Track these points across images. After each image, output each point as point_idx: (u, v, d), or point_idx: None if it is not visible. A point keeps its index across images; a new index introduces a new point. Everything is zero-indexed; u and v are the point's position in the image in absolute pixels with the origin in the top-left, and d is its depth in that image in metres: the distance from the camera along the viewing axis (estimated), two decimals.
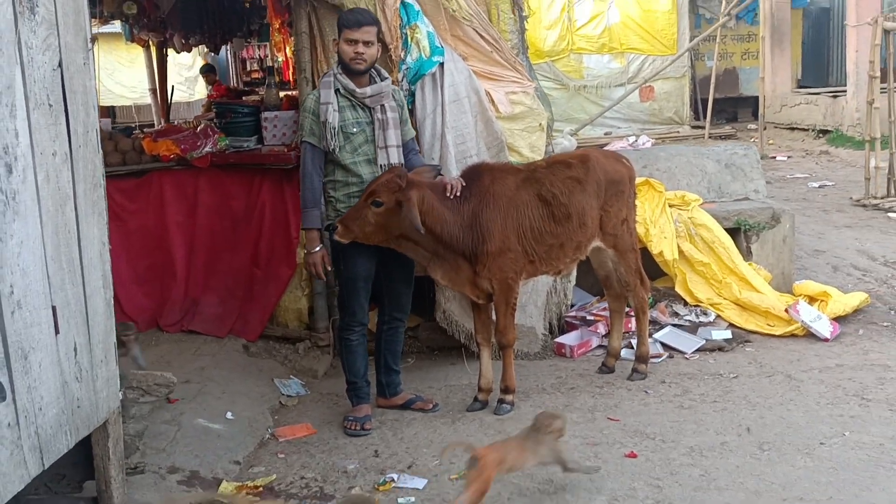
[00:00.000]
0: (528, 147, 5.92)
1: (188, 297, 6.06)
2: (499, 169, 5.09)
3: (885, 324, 6.12)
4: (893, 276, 7.13)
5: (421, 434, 4.75)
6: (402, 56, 5.58)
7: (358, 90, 4.80)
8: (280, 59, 11.81)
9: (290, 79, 10.74)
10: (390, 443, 4.68)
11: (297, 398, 5.38)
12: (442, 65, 5.53)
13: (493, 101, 5.80)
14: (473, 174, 4.96)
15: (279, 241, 5.98)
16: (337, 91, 4.78)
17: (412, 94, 5.57)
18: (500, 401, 5.01)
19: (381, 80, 4.89)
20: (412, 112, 5.50)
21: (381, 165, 4.84)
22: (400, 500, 4.01)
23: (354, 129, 4.80)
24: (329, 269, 4.87)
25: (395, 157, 4.88)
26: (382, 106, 4.87)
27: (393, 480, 4.19)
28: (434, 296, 5.76)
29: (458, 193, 4.76)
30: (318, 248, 4.83)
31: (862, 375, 5.19)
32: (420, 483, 4.16)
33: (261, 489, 4.16)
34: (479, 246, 4.82)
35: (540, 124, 5.99)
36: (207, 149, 6.03)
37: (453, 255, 4.86)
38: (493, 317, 5.08)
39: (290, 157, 5.84)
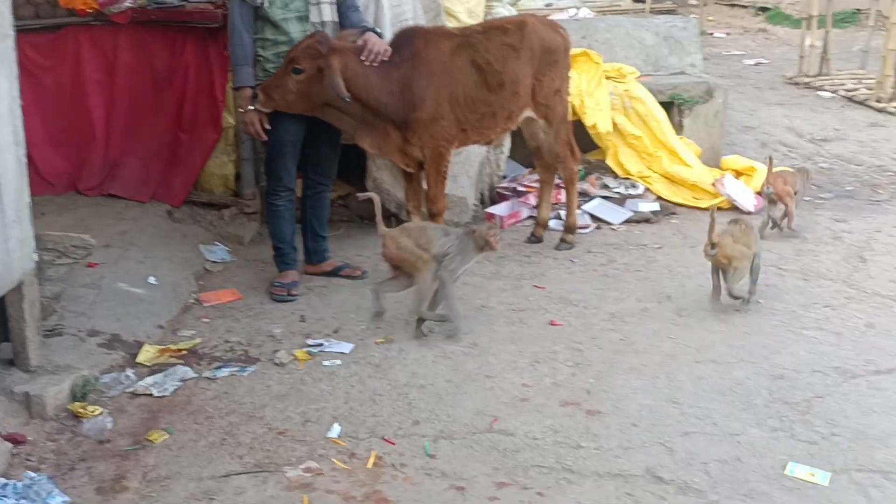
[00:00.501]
0: (466, 12, 5.78)
1: (108, 160, 5.84)
2: (433, 33, 4.94)
3: (806, 198, 6.25)
4: (818, 153, 7.27)
5: (348, 300, 4.77)
6: None
7: None
8: None
9: None
10: (317, 308, 4.69)
11: (222, 264, 5.32)
12: None
13: None
14: (405, 38, 4.81)
15: (204, 103, 5.76)
16: None
17: None
18: None
19: None
20: None
21: (313, 23, 4.66)
22: (325, 362, 4.05)
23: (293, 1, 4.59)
24: (267, 127, 4.68)
25: (329, 13, 4.70)
26: None
27: (321, 345, 4.21)
28: (365, 164, 5.68)
29: (375, 61, 4.60)
30: (252, 107, 4.65)
31: (780, 247, 5.34)
32: (346, 347, 4.20)
33: (184, 352, 4.15)
34: (411, 113, 4.72)
35: None
36: (127, 3, 5.69)
37: (382, 122, 4.76)
38: (425, 185, 5.04)
39: (216, 15, 5.55)
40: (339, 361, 4.07)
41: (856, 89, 8.92)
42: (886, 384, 3.74)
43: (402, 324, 4.43)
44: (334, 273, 5.09)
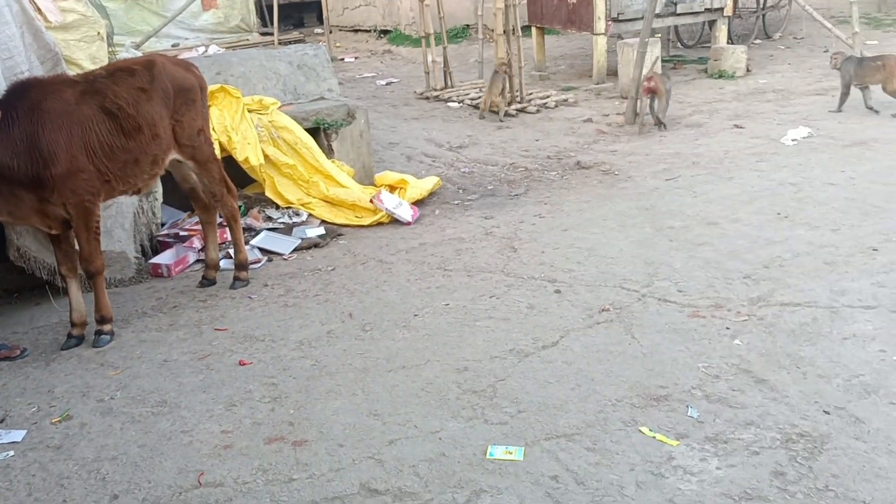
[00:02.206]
0: (88, 59, 5.46)
1: None
2: (52, 82, 4.60)
3: (456, 202, 6.74)
4: (458, 160, 7.85)
5: (11, 384, 4.31)
6: None
7: None
8: None
9: None
10: None
11: None
12: None
13: (39, 11, 5.21)
14: (21, 91, 4.43)
15: None
16: None
17: None
18: (98, 332, 4.70)
19: None
20: None
21: None
22: None
23: None
24: None
25: None
26: None
27: None
28: (3, 233, 5.16)
29: None
30: None
31: (442, 250, 5.70)
32: (18, 435, 3.80)
33: None
34: (43, 171, 4.36)
35: (98, 33, 5.54)
36: None
37: (8, 186, 4.34)
38: (76, 245, 4.70)
39: None
40: (11, 453, 3.66)
41: (479, 97, 9.75)
42: (554, 356, 4.14)
43: (79, 396, 4.10)
44: None
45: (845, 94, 8.39)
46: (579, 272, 5.12)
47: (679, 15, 10.80)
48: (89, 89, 4.56)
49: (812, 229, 5.48)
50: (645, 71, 8.89)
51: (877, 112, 8.20)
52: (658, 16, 9.97)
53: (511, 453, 3.41)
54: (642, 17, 9.59)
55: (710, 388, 3.77)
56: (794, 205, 5.95)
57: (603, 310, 4.59)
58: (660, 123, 8.39)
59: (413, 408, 3.79)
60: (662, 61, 10.14)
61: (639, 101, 8.58)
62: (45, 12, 5.23)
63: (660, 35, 10.53)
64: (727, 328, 4.28)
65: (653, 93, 8.39)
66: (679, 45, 12.67)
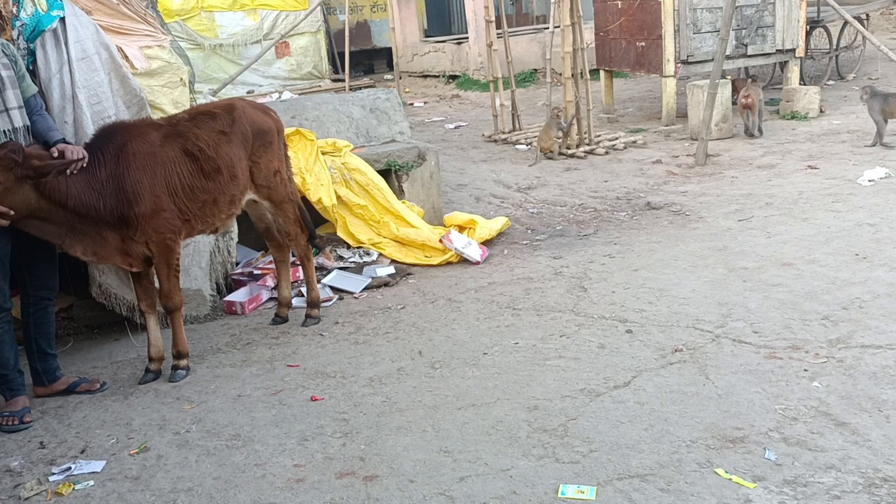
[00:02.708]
0: (171, 103, 5.66)
1: None
2: (137, 126, 4.78)
3: (525, 242, 6.75)
4: (526, 200, 7.88)
5: (91, 416, 4.43)
6: (13, 11, 5.02)
7: None
8: None
9: None
10: (57, 431, 4.31)
11: None
12: (63, 19, 5.06)
13: (126, 57, 5.44)
14: (108, 135, 4.61)
15: None
16: None
17: (32, 54, 5.05)
18: (175, 367, 4.81)
19: None
20: (34, 74, 5.00)
21: (2, 131, 4.35)
22: (78, 486, 3.73)
23: None
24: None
25: (20, 119, 4.41)
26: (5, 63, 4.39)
27: (68, 469, 3.87)
28: (86, 270, 5.35)
29: (76, 169, 4.39)
30: None
31: (511, 289, 5.70)
32: (98, 465, 3.89)
33: None
34: (128, 210, 4.52)
35: (181, 79, 5.75)
36: None
37: (94, 226, 4.51)
38: (156, 283, 4.84)
39: None
40: (92, 482, 3.76)
41: None
42: (626, 396, 4.09)
43: (156, 429, 4.19)
44: (70, 391, 4.71)
45: (879, 127, 8.67)
46: (651, 312, 5.07)
47: (750, 56, 10.72)
48: (172, 132, 4.74)
49: (892, 270, 5.33)
50: (716, 114, 8.84)
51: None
52: (728, 57, 9.92)
53: (583, 493, 3.37)
54: (712, 59, 9.56)
55: (788, 430, 3.67)
56: (872, 246, 5.81)
57: (676, 350, 4.53)
58: (759, 132, 9.51)
59: (483, 445, 3.78)
60: (733, 103, 10.07)
61: (744, 115, 9.62)
62: (131, 59, 5.45)
63: (730, 77, 10.45)
64: (805, 370, 4.18)
65: (749, 109, 9.40)
66: None
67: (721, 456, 3.53)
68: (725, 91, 9.65)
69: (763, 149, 9.09)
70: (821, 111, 10.48)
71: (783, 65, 11.16)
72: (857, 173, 7.67)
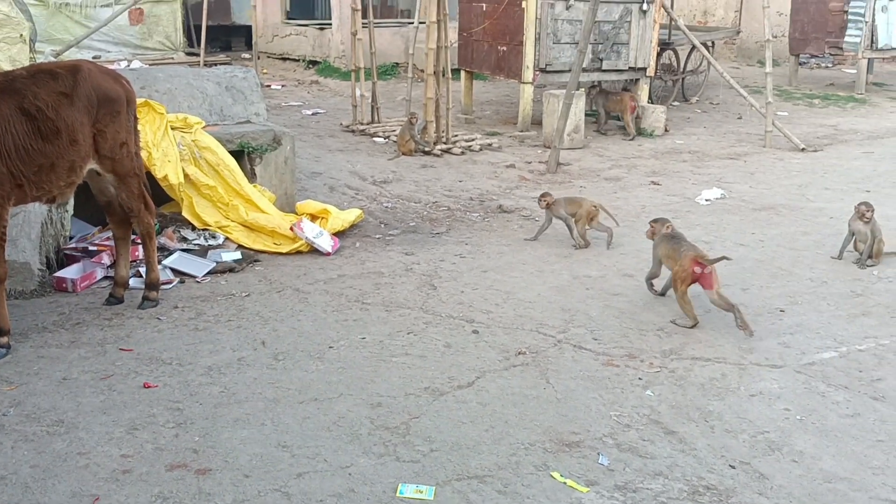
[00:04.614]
0: (7, 60, 5.30)
1: None
2: None
3: (378, 236, 6.70)
4: (381, 194, 7.83)
5: None
6: None
7: None
8: None
9: None
10: None
11: None
12: None
13: None
14: None
15: None
16: None
17: None
18: None
19: None
20: None
21: None
22: None
23: None
24: None
25: None
26: None
27: None
28: None
29: None
30: None
31: (361, 283, 5.64)
32: None
33: None
34: None
35: (21, 35, 5.40)
36: None
37: None
38: None
39: None
40: None
41: None
42: (469, 397, 4.12)
43: None
44: None
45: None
46: (497, 314, 5.14)
47: (604, 71, 11.09)
48: (8, 88, 4.40)
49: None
50: (569, 124, 9.08)
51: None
52: (584, 70, 10.21)
53: (422, 492, 3.36)
54: (569, 70, 9.82)
55: (621, 436, 3.80)
56: None
57: (519, 353, 4.60)
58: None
59: (323, 441, 3.71)
60: (585, 114, 10.39)
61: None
62: None
63: (584, 89, 10.79)
64: (640, 378, 4.34)
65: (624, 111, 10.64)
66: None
67: (557, 459, 3.61)
68: (580, 102, 9.93)
69: (611, 161, 9.42)
70: (665, 130, 10.98)
71: (634, 82, 11.61)
72: (696, 192, 8.07)
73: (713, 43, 14.10)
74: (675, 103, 13.05)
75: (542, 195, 6.71)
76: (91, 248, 5.84)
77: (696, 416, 3.99)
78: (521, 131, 10.70)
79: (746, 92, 11.11)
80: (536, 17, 10.42)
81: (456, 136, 9.96)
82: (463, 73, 11.84)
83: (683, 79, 13.42)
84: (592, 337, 4.83)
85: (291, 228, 6.27)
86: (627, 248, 6.45)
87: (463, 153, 9.48)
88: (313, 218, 6.61)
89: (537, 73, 10.61)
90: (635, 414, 4.00)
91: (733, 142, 10.60)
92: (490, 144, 9.93)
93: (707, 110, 12.82)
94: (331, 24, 15.40)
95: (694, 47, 12.36)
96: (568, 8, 10.53)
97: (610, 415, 3.98)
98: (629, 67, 11.17)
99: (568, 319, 5.08)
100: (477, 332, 4.87)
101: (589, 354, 4.61)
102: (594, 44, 10.62)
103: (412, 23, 11.75)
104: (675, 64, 13.23)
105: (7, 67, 5.24)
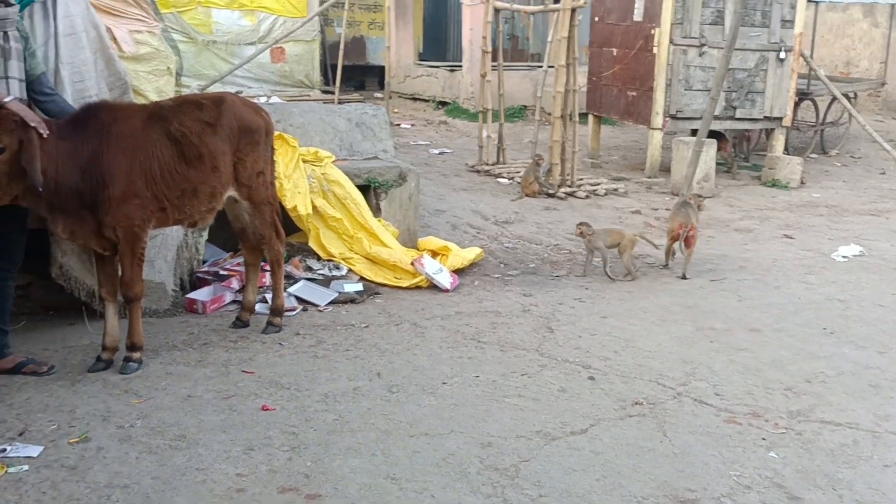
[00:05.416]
0: (155, 91, 5.59)
1: None
2: (121, 107, 4.72)
3: (497, 275, 6.70)
4: (503, 234, 7.84)
5: (35, 398, 4.29)
6: None
7: None
8: None
9: None
10: None
11: None
12: None
13: (115, 39, 5.37)
14: (91, 113, 4.53)
15: None
16: None
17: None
18: (127, 359, 4.68)
19: (7, 6, 4.32)
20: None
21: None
22: (11, 469, 3.59)
23: None
24: None
25: (17, 90, 4.35)
26: (6, 34, 4.32)
27: (3, 451, 3.73)
28: (49, 249, 5.21)
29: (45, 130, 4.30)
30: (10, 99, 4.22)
31: (477, 321, 5.63)
32: (35, 451, 3.76)
33: None
34: (101, 191, 4.43)
35: (168, 68, 5.68)
36: None
37: (75, 204, 4.42)
38: (120, 270, 4.72)
39: None
40: (26, 467, 3.62)
41: None
42: (582, 444, 4.03)
43: (99, 420, 4.06)
44: (16, 370, 4.57)
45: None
46: (615, 361, 5.03)
47: (738, 119, 10.82)
48: (157, 115, 4.66)
49: (858, 349, 5.34)
50: (699, 172, 8.89)
51: None
52: (717, 118, 9.99)
53: None
54: (700, 117, 9.63)
55: (740, 498, 3.63)
56: (840, 321, 5.82)
57: (636, 403, 4.48)
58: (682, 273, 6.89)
59: (432, 477, 3.69)
60: (716, 163, 10.14)
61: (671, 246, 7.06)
62: (120, 42, 5.37)
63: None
64: (763, 439, 4.15)
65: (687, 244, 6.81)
66: (735, 149, 12.67)
67: None
68: (711, 150, 9.71)
69: (742, 212, 9.15)
70: (802, 182, 10.58)
71: (769, 132, 11.28)
72: (832, 248, 7.73)
73: (855, 94, 13.53)
74: (814, 155, 12.58)
75: (579, 224, 6.72)
76: (222, 272, 6.07)
77: (824, 484, 3.77)
78: (649, 177, 10.54)
79: (891, 146, 10.61)
80: (668, 63, 10.29)
81: (581, 179, 9.90)
82: (591, 117, 11.78)
83: (823, 130, 12.94)
84: (714, 392, 4.66)
85: (412, 263, 6.34)
86: (756, 301, 6.22)
87: (587, 197, 9.40)
88: (434, 254, 6.67)
89: (667, 119, 10.45)
90: (757, 476, 3.81)
91: (875, 197, 10.12)
92: (616, 189, 9.81)
93: (847, 164, 12.29)
94: (461, 66, 15.66)
95: (834, 98, 11.91)
96: (701, 54, 10.36)
97: (730, 474, 3.81)
98: (764, 116, 10.86)
99: (689, 372, 4.91)
100: (593, 378, 4.78)
101: (710, 410, 4.44)
102: (727, 91, 10.39)
103: (541, 66, 11.79)
104: (814, 115, 12.79)
105: (153, 97, 5.54)
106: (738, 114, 10.71)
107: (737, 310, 6.03)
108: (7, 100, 4.20)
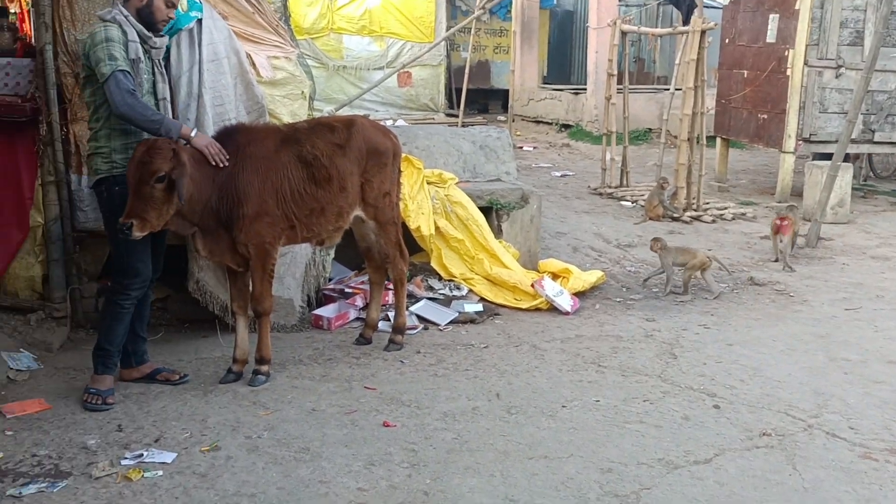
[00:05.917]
0: (289, 115, 5.79)
1: None
2: (256, 129, 4.92)
3: (618, 299, 6.61)
4: (625, 257, 7.74)
5: (169, 407, 4.51)
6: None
7: (151, 39, 4.52)
8: (14, 12, 10.70)
9: (28, 32, 9.76)
10: (135, 416, 4.39)
11: (28, 372, 4.90)
12: (200, 21, 5.24)
13: (254, 65, 5.60)
14: (228, 135, 4.75)
15: (9, 201, 5.40)
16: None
17: (167, 50, 5.25)
18: (256, 371, 4.86)
19: (162, 37, 4.64)
20: (167, 69, 5.18)
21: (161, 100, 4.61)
22: (147, 474, 3.77)
23: (144, 76, 4.48)
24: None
25: (169, 112, 4.65)
26: (158, 61, 4.62)
27: (140, 456, 3.93)
28: (186, 265, 5.47)
29: (224, 160, 4.54)
30: (195, 133, 4.54)
31: (598, 345, 5.57)
32: (169, 457, 3.94)
33: None
34: (235, 209, 4.63)
35: (302, 92, 5.88)
36: None
37: (214, 222, 4.64)
38: (251, 285, 4.91)
39: (24, 109, 5.29)
40: (160, 472, 3.80)
41: None
42: (706, 473, 3.92)
43: (228, 430, 4.22)
44: (152, 377, 4.82)
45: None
46: (741, 390, 4.87)
47: (876, 143, 10.35)
48: (290, 138, 4.85)
49: None
50: (833, 197, 8.53)
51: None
52: (853, 141, 9.59)
53: None
54: (835, 141, 9.26)
55: None
56: None
57: (764, 434, 4.33)
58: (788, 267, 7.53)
59: (550, 500, 3.67)
60: (853, 189, 9.71)
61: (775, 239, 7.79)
62: (258, 67, 5.60)
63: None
64: None
65: (782, 232, 7.58)
66: (872, 174, 12.11)
67: None
68: (846, 175, 9.32)
69: (879, 239, 8.72)
70: None
71: None
72: None
73: None
74: None
75: (654, 239, 6.88)
76: (347, 290, 6.22)
77: None
78: (780, 202, 10.18)
79: None
80: (802, 86, 9.96)
81: (707, 203, 9.67)
82: (718, 141, 11.51)
83: None
84: (848, 425, 4.45)
85: (532, 285, 6.34)
86: (894, 332, 5.91)
87: (714, 221, 9.17)
88: (555, 277, 6.65)
89: (800, 142, 10.10)
90: None
91: None
92: (744, 214, 9.54)
93: None
94: (585, 89, 15.60)
95: None
96: (838, 76, 9.98)
97: None
98: None
99: (821, 404, 4.71)
100: (718, 406, 4.64)
101: (843, 444, 4.24)
102: (865, 114, 9.96)
103: (668, 88, 11.62)
104: None
105: (288, 120, 5.75)
106: (878, 137, 10.24)
107: (873, 340, 5.75)
108: (192, 134, 4.51)
